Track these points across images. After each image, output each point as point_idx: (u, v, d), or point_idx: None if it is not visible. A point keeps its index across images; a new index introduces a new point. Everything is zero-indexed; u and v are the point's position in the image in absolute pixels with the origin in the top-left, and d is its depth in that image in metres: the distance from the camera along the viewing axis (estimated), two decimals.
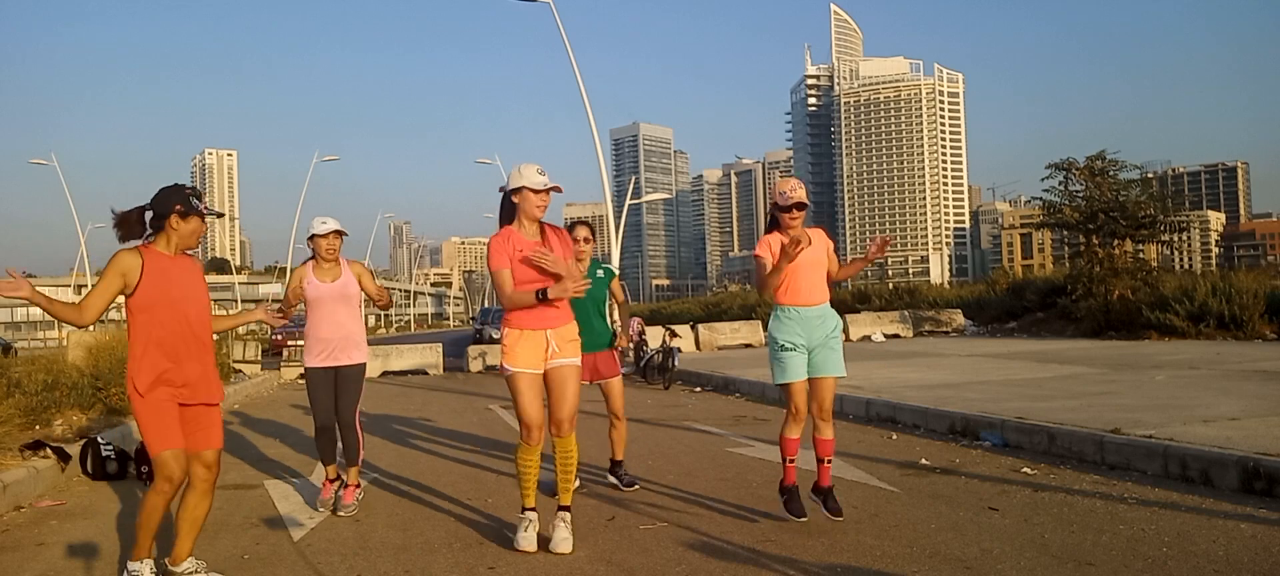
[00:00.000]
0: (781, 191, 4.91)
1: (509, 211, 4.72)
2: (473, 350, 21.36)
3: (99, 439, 7.24)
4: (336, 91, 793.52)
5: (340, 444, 5.86)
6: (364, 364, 5.92)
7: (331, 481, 5.84)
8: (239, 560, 4.69)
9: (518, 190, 4.61)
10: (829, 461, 5.01)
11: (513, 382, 4.63)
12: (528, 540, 4.60)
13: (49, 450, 6.99)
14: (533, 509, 4.68)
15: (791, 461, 5.00)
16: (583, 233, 6.13)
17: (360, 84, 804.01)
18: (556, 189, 4.70)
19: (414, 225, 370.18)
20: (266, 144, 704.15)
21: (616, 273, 6.38)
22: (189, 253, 4.13)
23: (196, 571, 4.15)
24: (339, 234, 5.81)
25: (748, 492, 5.91)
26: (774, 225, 4.99)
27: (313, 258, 5.86)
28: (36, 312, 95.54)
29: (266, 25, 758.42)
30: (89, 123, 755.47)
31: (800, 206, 4.84)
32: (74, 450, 7.21)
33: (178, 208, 3.97)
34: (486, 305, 64.70)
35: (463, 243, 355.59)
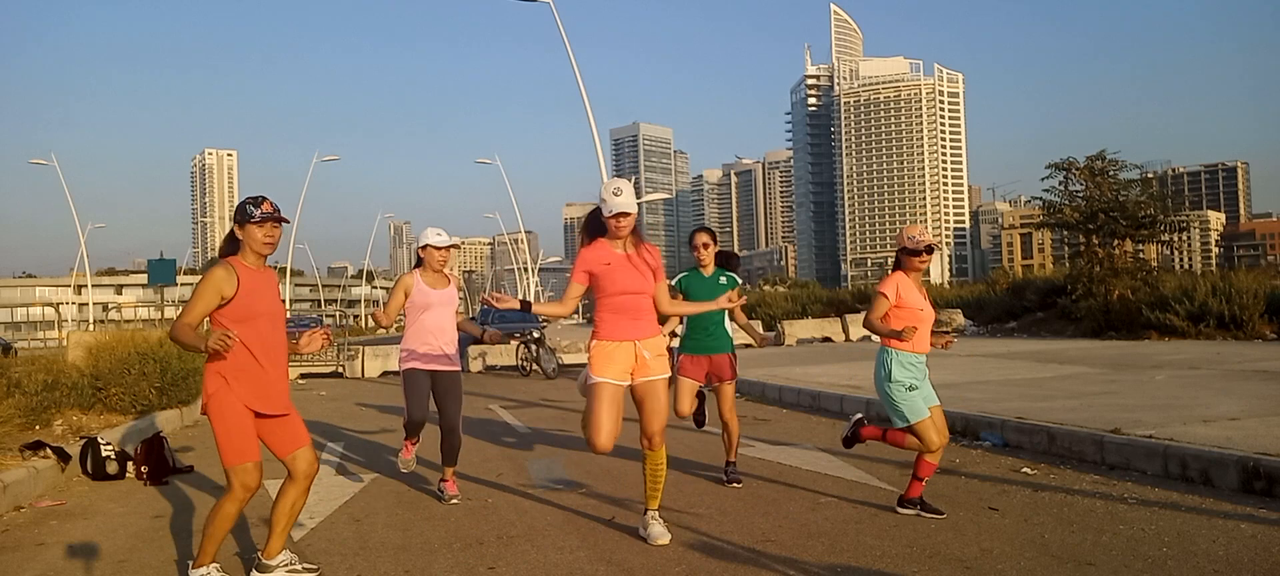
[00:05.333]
0: (910, 236, 5.19)
1: (596, 227, 4.76)
2: (473, 350, 21.33)
3: (99, 439, 7.24)
4: (337, 91, 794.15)
5: (441, 445, 6.01)
6: (459, 371, 6.09)
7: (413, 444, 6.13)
8: (240, 560, 4.69)
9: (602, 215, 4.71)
10: (923, 480, 5.18)
11: (595, 392, 4.64)
12: None
13: (49, 450, 6.99)
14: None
15: (920, 480, 5.14)
16: (702, 238, 6.23)
17: (360, 84, 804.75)
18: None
19: (414, 225, 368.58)
20: (266, 144, 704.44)
21: (739, 282, 6.34)
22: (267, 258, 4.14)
23: (292, 564, 4.26)
24: (454, 248, 6.01)
25: (748, 492, 5.91)
26: (897, 265, 5.28)
27: (418, 265, 6.00)
28: (36, 312, 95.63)
29: (268, 25, 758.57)
30: (88, 122, 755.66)
31: (930, 250, 5.14)
32: (74, 450, 7.21)
33: (238, 219, 4.09)
34: (486, 306, 64.59)
35: (463, 243, 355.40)
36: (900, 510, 5.18)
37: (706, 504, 5.60)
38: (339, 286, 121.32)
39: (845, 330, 25.42)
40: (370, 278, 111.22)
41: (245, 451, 3.99)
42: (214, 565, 4.08)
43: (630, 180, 4.78)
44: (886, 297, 5.14)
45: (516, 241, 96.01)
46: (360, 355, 20.73)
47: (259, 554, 4.27)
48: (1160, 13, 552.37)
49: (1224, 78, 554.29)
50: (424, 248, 5.96)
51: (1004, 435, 7.34)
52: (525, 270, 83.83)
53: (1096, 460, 6.37)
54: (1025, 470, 6.29)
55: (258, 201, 4.06)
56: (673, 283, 6.08)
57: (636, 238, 4.80)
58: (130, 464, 7.14)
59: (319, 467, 4.26)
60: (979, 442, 7.41)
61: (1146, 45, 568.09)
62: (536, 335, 18.78)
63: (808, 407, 10.52)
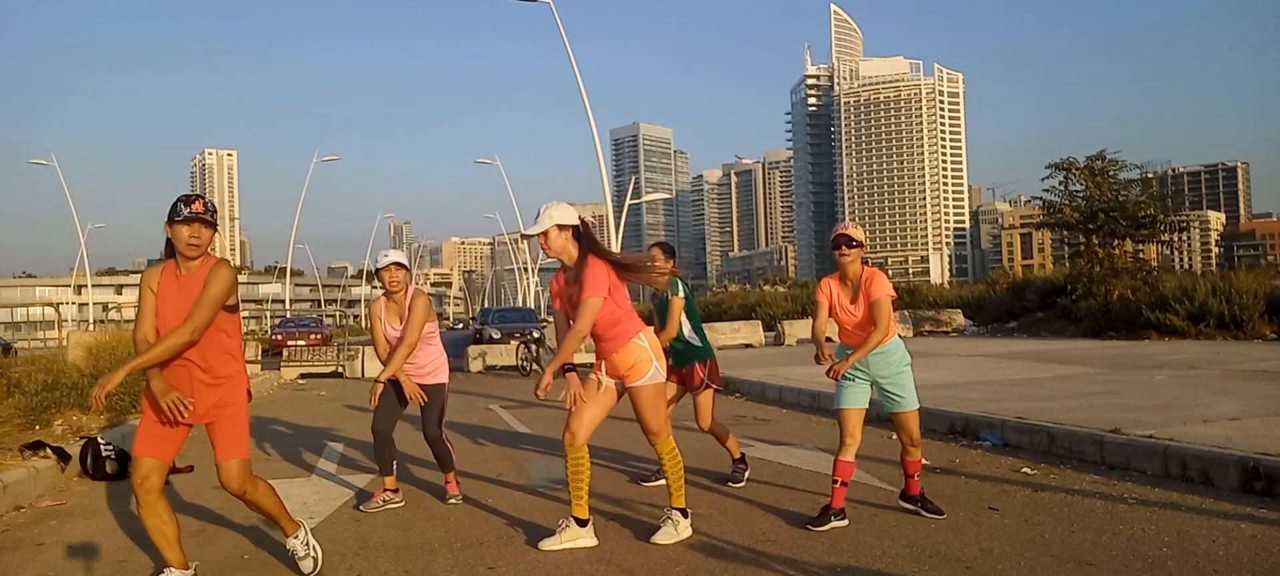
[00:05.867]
0: (834, 229, 5.05)
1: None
2: (473, 350, 21.35)
3: (99, 439, 7.24)
4: (337, 91, 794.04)
5: (435, 456, 6.06)
6: (442, 383, 6.03)
7: (389, 490, 5.89)
8: (238, 560, 4.70)
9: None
10: (915, 477, 5.15)
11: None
12: None
13: (49, 450, 6.99)
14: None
15: (840, 484, 4.96)
16: (652, 252, 6.15)
17: (360, 84, 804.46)
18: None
19: (414, 225, 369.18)
20: (266, 144, 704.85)
21: (677, 294, 6.19)
22: (195, 260, 3.93)
23: (306, 546, 4.33)
24: (400, 266, 5.78)
25: (747, 493, 5.91)
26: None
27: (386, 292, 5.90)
28: (36, 312, 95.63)
29: (268, 25, 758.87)
30: (88, 122, 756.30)
31: (849, 242, 4.94)
32: (74, 450, 7.21)
33: (168, 217, 3.89)
34: (486, 305, 64.67)
35: (463, 243, 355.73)
36: (901, 504, 5.21)
37: (706, 504, 5.60)
38: (339, 286, 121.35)
39: None
40: (370, 278, 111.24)
41: (138, 443, 3.98)
42: (183, 570, 4.01)
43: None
44: (819, 302, 5.12)
45: (516, 241, 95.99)
46: (360, 355, 20.73)
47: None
48: (1160, 13, 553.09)
49: (1224, 78, 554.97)
50: (376, 273, 5.86)
51: (1004, 435, 7.34)
52: (525, 270, 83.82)
53: (1096, 460, 6.37)
54: (1025, 470, 6.29)
55: (190, 200, 3.88)
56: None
57: (580, 257, 4.62)
58: (130, 464, 7.13)
59: (239, 486, 4.03)
60: (979, 442, 7.42)
61: (1146, 45, 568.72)
62: (536, 335, 18.81)
63: (808, 407, 10.52)
